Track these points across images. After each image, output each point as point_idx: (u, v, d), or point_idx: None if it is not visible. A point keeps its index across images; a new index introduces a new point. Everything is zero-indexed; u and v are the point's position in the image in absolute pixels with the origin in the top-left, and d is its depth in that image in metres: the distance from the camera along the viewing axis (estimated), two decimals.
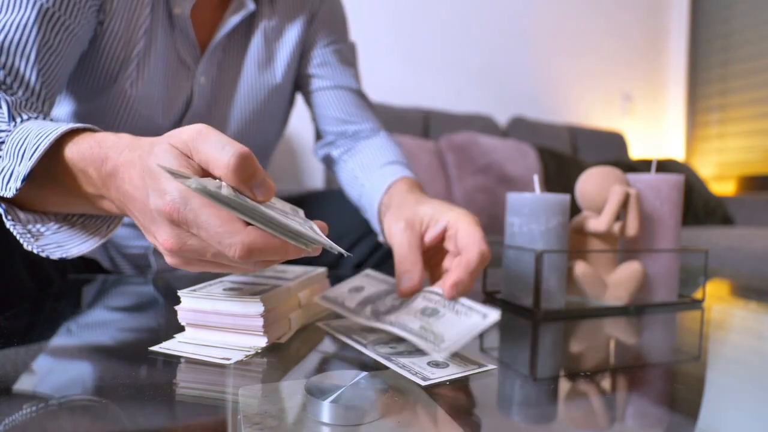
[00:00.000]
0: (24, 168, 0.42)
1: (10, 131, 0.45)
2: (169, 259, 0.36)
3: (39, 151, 0.41)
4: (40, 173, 0.42)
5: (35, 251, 0.44)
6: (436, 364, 0.37)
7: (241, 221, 0.32)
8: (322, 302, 0.48)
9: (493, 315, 0.36)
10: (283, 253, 0.33)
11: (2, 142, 0.45)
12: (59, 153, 0.42)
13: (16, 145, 0.43)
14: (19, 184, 0.41)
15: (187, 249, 0.34)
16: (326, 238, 0.35)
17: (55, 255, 0.45)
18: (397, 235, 0.49)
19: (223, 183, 0.32)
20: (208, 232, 0.32)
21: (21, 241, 0.44)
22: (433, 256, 0.51)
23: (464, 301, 0.40)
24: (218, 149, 0.33)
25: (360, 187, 0.76)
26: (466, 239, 0.46)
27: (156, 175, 0.33)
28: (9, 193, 0.42)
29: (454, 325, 0.37)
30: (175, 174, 0.31)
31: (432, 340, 0.36)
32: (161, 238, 0.34)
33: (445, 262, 0.50)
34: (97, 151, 0.40)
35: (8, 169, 0.43)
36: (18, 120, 0.46)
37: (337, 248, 0.34)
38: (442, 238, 0.49)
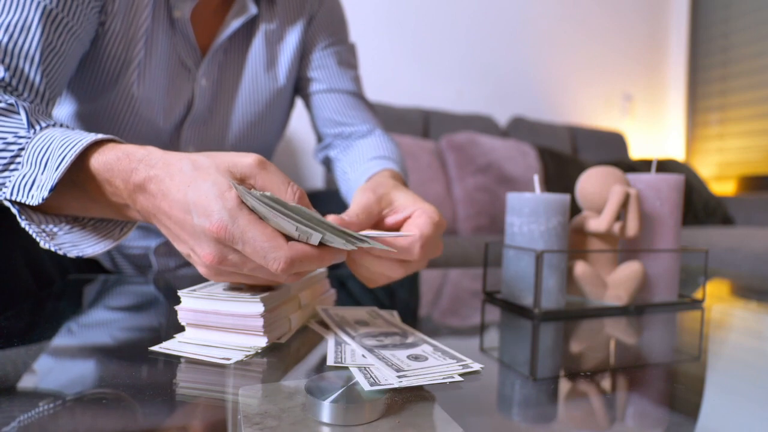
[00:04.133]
0: (49, 178, 0.42)
1: (30, 138, 0.45)
2: (203, 271, 0.38)
3: (66, 162, 0.41)
4: (63, 181, 0.43)
5: (52, 249, 0.45)
6: (415, 357, 0.37)
7: (283, 238, 0.35)
8: (324, 319, 0.48)
9: (474, 366, 0.36)
10: (318, 264, 0.37)
11: (22, 149, 0.45)
12: (84, 163, 0.42)
13: (38, 153, 0.43)
14: (46, 194, 0.42)
15: (228, 263, 0.36)
16: (371, 240, 0.38)
17: (72, 253, 0.46)
18: (359, 199, 0.47)
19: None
20: (254, 247, 0.34)
21: (38, 239, 0.45)
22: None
23: (455, 353, 0.39)
24: (284, 182, 0.38)
25: (347, 182, 0.76)
26: (417, 221, 0.45)
27: (201, 195, 0.36)
28: (33, 201, 0.43)
29: (431, 365, 0.36)
30: (240, 189, 0.35)
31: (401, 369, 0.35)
32: (202, 252, 0.36)
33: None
34: (126, 163, 0.41)
35: (30, 176, 0.43)
36: (37, 127, 0.46)
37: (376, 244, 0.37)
38: (400, 223, 0.48)
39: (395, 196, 0.49)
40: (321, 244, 0.36)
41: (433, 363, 0.36)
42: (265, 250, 0.34)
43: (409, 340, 0.41)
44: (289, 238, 0.36)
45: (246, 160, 0.38)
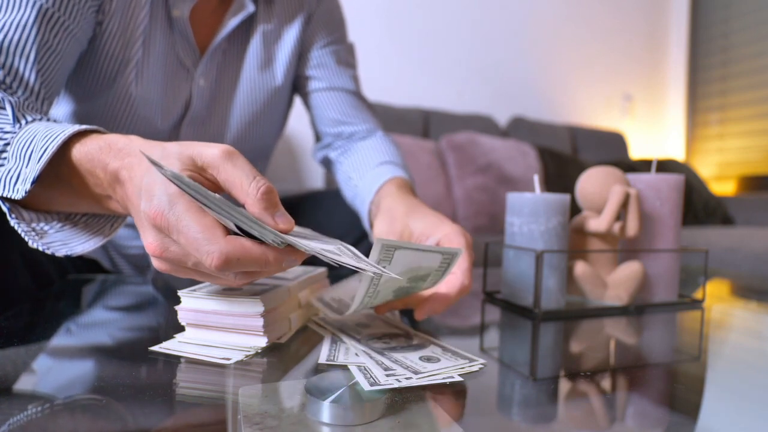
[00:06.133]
0: (32, 171, 0.42)
1: (15, 133, 0.45)
2: (155, 264, 0.36)
3: (48, 154, 0.41)
4: (47, 174, 0.42)
5: (41, 248, 0.45)
6: (427, 359, 0.37)
7: (222, 230, 0.32)
8: (319, 305, 0.48)
9: (477, 363, 0.36)
10: (262, 264, 0.33)
11: (8, 144, 0.45)
12: (66, 154, 0.42)
13: (23, 147, 0.43)
14: (28, 186, 0.42)
15: (170, 255, 0.34)
16: (320, 246, 0.34)
17: (61, 252, 0.45)
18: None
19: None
20: (187, 237, 0.32)
21: (26, 239, 0.45)
22: None
23: (464, 353, 0.39)
24: (249, 176, 0.34)
25: (353, 189, 0.76)
26: (455, 267, 0.45)
27: (151, 181, 0.34)
28: (17, 195, 0.42)
29: (445, 366, 0.36)
30: (156, 165, 0.31)
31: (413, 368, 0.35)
32: (146, 241, 0.35)
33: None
34: (106, 153, 0.40)
35: (15, 170, 0.43)
36: (23, 121, 0.46)
37: (329, 256, 0.33)
38: None
39: (414, 227, 0.50)
40: (264, 243, 0.33)
41: (447, 364, 0.36)
42: (198, 241, 0.31)
43: (415, 341, 0.41)
44: (231, 232, 0.33)
45: (212, 150, 0.35)
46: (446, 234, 0.47)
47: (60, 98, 0.70)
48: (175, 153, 0.36)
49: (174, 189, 0.33)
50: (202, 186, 0.33)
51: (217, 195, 0.32)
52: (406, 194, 0.61)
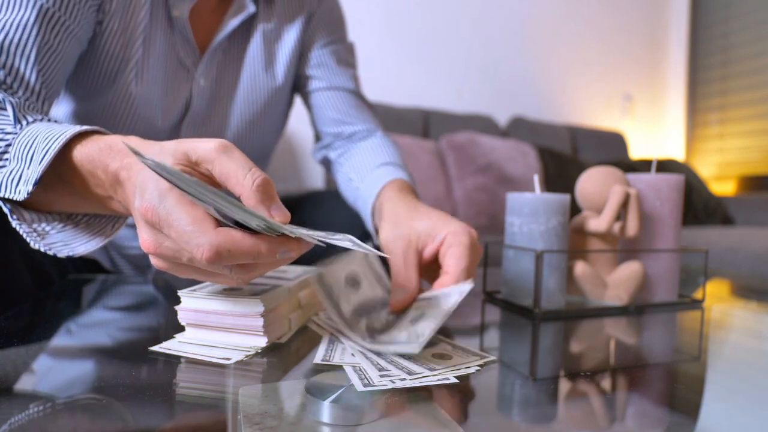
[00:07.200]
0: (34, 172, 0.42)
1: (16, 134, 0.45)
2: (154, 262, 0.36)
3: (49, 155, 0.41)
4: (49, 175, 0.42)
5: (42, 249, 0.45)
6: (440, 356, 0.37)
7: (212, 222, 0.32)
8: (317, 285, 0.47)
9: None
10: (254, 255, 0.32)
11: (9, 145, 0.45)
12: (68, 155, 0.42)
13: (24, 148, 0.43)
14: (30, 188, 0.42)
15: (164, 251, 0.34)
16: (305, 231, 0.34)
17: (62, 253, 0.45)
18: (395, 251, 0.49)
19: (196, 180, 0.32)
20: (178, 230, 0.32)
21: (28, 239, 0.45)
22: (429, 266, 0.51)
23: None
24: (244, 168, 0.34)
25: (355, 191, 0.76)
26: (452, 267, 0.46)
27: (144, 177, 0.34)
28: (19, 197, 0.43)
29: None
30: (138, 154, 0.30)
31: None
32: (141, 238, 0.35)
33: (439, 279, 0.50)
34: (107, 154, 0.40)
35: (16, 172, 0.43)
36: (24, 122, 0.46)
37: (318, 238, 0.33)
38: (438, 251, 0.49)
39: (419, 228, 0.50)
40: (257, 233, 0.33)
41: (459, 361, 0.36)
42: (188, 234, 0.31)
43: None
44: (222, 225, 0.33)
45: (207, 144, 0.35)
46: (451, 231, 0.48)
47: (60, 98, 0.70)
48: (170, 150, 0.36)
49: (165, 184, 0.32)
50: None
51: (194, 179, 0.31)
52: (406, 196, 0.61)
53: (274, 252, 0.33)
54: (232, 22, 0.71)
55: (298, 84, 0.84)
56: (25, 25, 0.53)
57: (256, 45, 0.75)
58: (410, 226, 0.50)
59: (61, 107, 0.70)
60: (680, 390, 0.37)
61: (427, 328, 0.36)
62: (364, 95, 0.85)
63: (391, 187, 0.66)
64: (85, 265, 0.78)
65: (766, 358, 0.45)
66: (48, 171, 0.42)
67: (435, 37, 2.44)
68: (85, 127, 0.43)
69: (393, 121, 2.10)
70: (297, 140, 2.13)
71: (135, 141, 0.40)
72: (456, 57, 2.49)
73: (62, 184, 0.44)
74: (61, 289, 0.64)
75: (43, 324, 0.48)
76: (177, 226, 0.32)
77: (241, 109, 0.76)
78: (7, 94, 0.49)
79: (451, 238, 0.47)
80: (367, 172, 0.74)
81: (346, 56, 0.84)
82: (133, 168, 0.37)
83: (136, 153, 0.30)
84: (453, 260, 0.46)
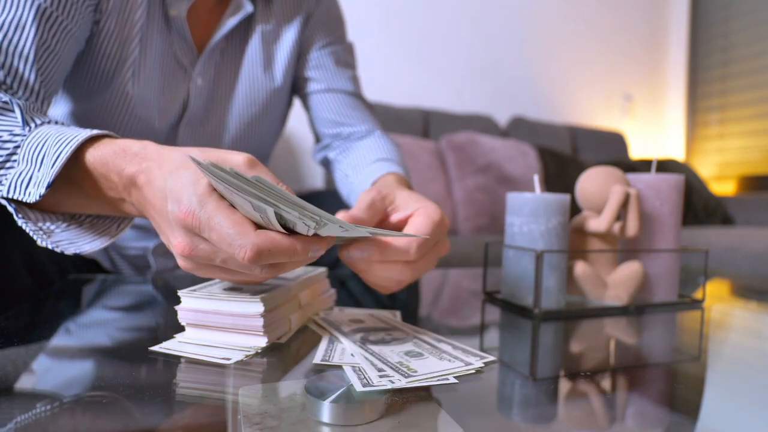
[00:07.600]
0: (45, 174, 0.42)
1: (25, 136, 0.46)
2: (181, 263, 0.37)
3: (62, 158, 0.42)
4: (59, 177, 0.43)
5: (50, 247, 0.45)
6: (439, 357, 0.37)
7: (251, 225, 0.33)
8: (319, 322, 0.47)
9: (476, 364, 0.36)
10: (291, 254, 0.34)
11: (18, 147, 0.45)
12: (80, 158, 0.43)
13: (34, 151, 0.43)
14: (43, 190, 0.42)
15: (198, 253, 0.35)
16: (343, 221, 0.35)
17: (69, 250, 0.46)
18: (363, 197, 0.47)
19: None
20: (220, 234, 0.33)
21: (35, 237, 0.45)
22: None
23: (453, 351, 0.39)
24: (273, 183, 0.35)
25: (349, 185, 0.75)
26: (411, 231, 0.44)
27: (177, 183, 0.35)
28: (30, 198, 0.43)
29: (432, 366, 0.36)
30: (196, 162, 0.32)
31: (405, 372, 0.34)
32: (175, 241, 0.36)
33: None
34: (121, 158, 0.41)
35: (26, 173, 0.44)
36: (32, 125, 0.47)
37: (350, 229, 0.34)
38: (405, 221, 0.47)
39: (398, 195, 0.49)
40: (293, 233, 0.34)
41: (458, 364, 0.36)
42: (230, 236, 0.33)
43: (423, 338, 0.41)
44: (260, 227, 0.34)
45: (236, 158, 0.37)
46: (423, 206, 0.46)
47: (58, 98, 0.70)
48: (197, 158, 0.36)
49: (202, 189, 0.34)
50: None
51: (257, 176, 0.33)
52: (401, 184, 0.61)
53: (308, 251, 0.35)
54: (230, 22, 0.71)
55: (296, 86, 0.83)
56: (23, 25, 0.53)
57: (254, 46, 0.75)
58: (390, 191, 0.49)
59: (59, 107, 0.70)
60: (680, 390, 0.37)
61: (421, 374, 0.34)
62: (364, 96, 0.85)
63: (386, 179, 0.66)
64: (85, 265, 0.78)
65: (766, 358, 0.45)
66: (59, 174, 0.42)
67: (435, 37, 2.44)
68: (96, 131, 0.44)
69: (393, 121, 2.10)
70: (297, 140, 2.13)
71: (152, 146, 0.41)
72: (456, 57, 2.49)
73: (72, 186, 0.45)
74: (61, 289, 0.64)
75: (43, 324, 0.48)
76: (219, 230, 0.33)
77: (240, 110, 0.76)
78: (9, 95, 0.49)
79: (421, 211, 0.46)
80: (362, 167, 0.74)
81: (345, 57, 0.84)
82: (155, 172, 0.38)
83: (195, 160, 0.32)
84: (413, 228, 0.44)
